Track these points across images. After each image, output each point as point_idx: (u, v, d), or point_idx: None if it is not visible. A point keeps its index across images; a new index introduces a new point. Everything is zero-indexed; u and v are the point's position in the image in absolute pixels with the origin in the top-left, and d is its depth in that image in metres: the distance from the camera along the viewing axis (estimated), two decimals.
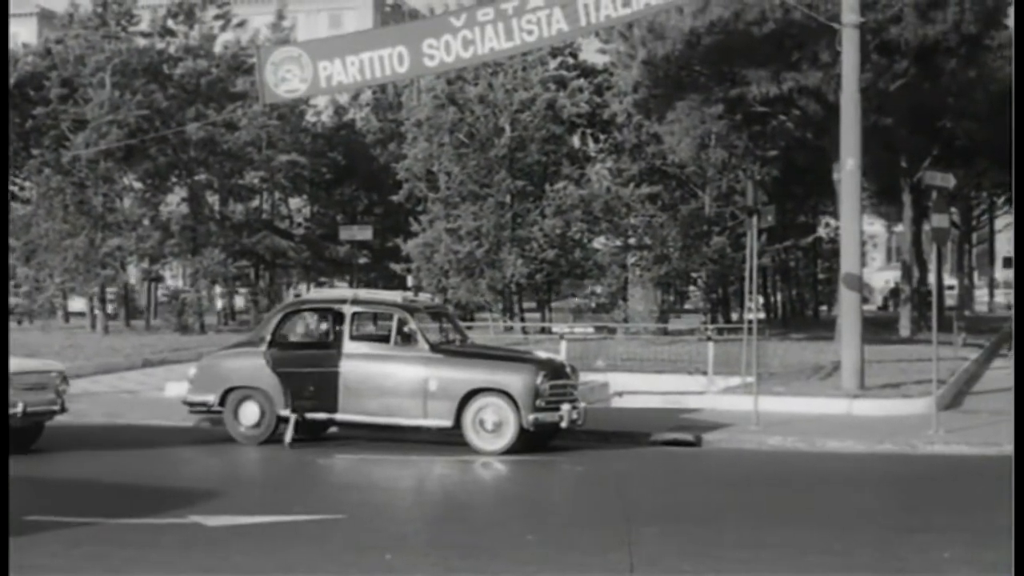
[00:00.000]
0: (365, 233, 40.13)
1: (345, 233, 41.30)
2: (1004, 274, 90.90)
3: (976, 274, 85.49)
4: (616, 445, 20.80)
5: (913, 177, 44.48)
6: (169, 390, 26.86)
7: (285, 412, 20.49)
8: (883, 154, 39.62)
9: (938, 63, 34.96)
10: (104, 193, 49.65)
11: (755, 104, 36.55)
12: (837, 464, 19.39)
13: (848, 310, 26.84)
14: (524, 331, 45.29)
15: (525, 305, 54.69)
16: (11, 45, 53.43)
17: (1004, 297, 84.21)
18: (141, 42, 51.62)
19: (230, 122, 50.78)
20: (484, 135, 48.66)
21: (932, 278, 51.84)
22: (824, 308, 67.44)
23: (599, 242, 54.03)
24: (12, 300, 51.51)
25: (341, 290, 35.39)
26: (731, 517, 14.13)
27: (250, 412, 20.62)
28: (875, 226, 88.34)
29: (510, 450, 19.25)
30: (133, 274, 59.17)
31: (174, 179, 54.06)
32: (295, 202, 64.37)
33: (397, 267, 52.78)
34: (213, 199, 56.02)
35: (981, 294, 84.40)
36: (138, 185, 53.48)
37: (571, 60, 53.41)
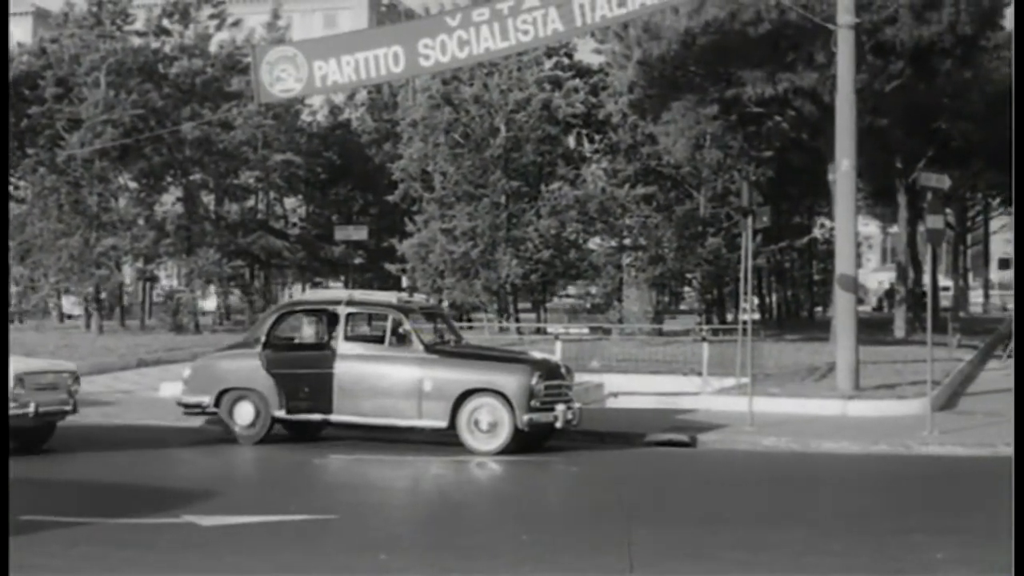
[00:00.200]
0: (360, 233, 40.08)
1: (340, 233, 41.25)
2: (999, 275, 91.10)
3: (971, 275, 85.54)
4: (611, 446, 20.80)
5: (908, 178, 44.51)
6: (164, 390, 26.85)
7: (280, 413, 20.50)
8: (878, 155, 39.60)
9: (933, 64, 34.96)
10: (99, 193, 49.60)
11: (750, 105, 36.54)
12: (832, 465, 19.41)
13: (843, 311, 26.86)
14: (519, 332, 45.30)
15: (520, 305, 54.64)
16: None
17: (999, 298, 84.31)
18: (136, 41, 51.56)
19: (225, 122, 50.75)
20: (479, 135, 48.67)
21: (927, 279, 51.90)
22: (819, 309, 67.56)
23: (594, 243, 54.04)
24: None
25: (336, 291, 35.39)
26: (726, 518, 14.13)
27: (245, 413, 20.63)
28: (870, 227, 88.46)
29: (505, 450, 19.25)
30: (128, 274, 59.07)
31: (169, 179, 54.02)
32: (290, 202, 64.29)
33: (392, 267, 52.78)
34: (208, 199, 55.96)
35: (976, 295, 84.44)
36: (133, 185, 53.41)
37: (566, 60, 53.41)
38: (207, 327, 51.55)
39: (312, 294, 31.93)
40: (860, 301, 34.33)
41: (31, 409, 18.24)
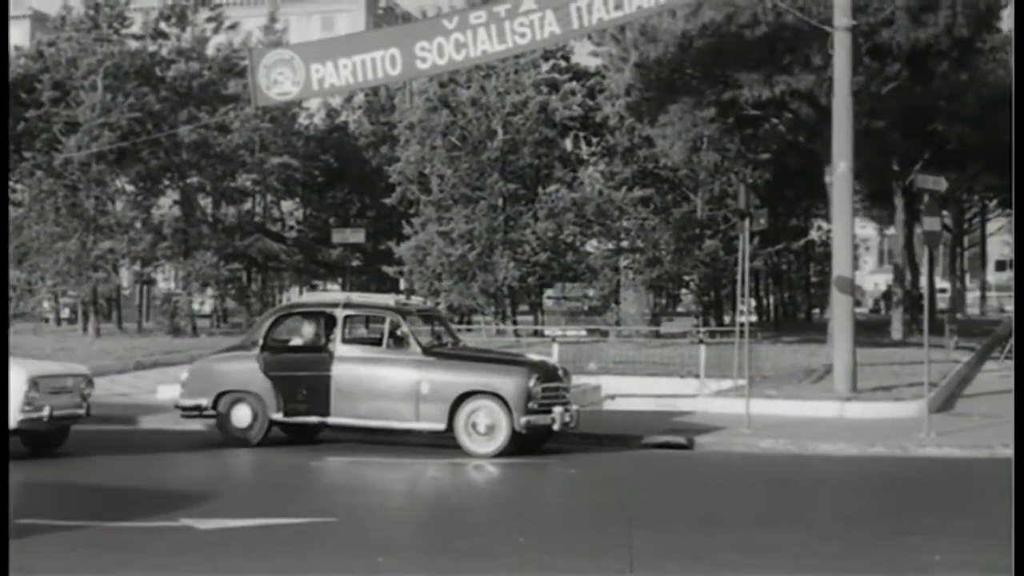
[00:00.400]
0: (357, 236, 40.09)
1: (337, 236, 41.24)
2: (996, 277, 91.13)
3: (968, 277, 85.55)
4: (608, 448, 20.81)
5: (905, 180, 44.54)
6: (161, 393, 26.85)
7: (278, 415, 20.52)
8: (875, 157, 39.62)
9: (930, 66, 34.97)
10: (96, 196, 49.54)
11: (747, 107, 36.54)
12: (829, 467, 19.42)
13: (840, 313, 26.88)
14: (516, 334, 45.30)
15: (518, 308, 54.63)
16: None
17: (996, 300, 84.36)
18: (133, 45, 51.50)
19: (222, 125, 50.70)
20: (476, 138, 48.66)
21: (924, 281, 51.94)
22: (816, 311, 67.56)
23: (591, 245, 54.04)
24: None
25: (334, 293, 35.38)
26: (724, 520, 14.14)
27: (243, 415, 20.64)
28: (867, 229, 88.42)
29: (502, 453, 19.26)
30: (125, 277, 59.02)
31: (166, 182, 53.96)
32: (287, 205, 64.24)
33: (389, 270, 52.73)
34: (205, 202, 55.89)
35: (973, 297, 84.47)
36: (130, 188, 53.34)
37: (563, 63, 53.40)
38: (204, 330, 51.52)
39: (310, 297, 31.93)
40: (857, 303, 34.35)
41: (45, 413, 18.28)
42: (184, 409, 21.41)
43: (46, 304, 55.43)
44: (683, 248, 49.75)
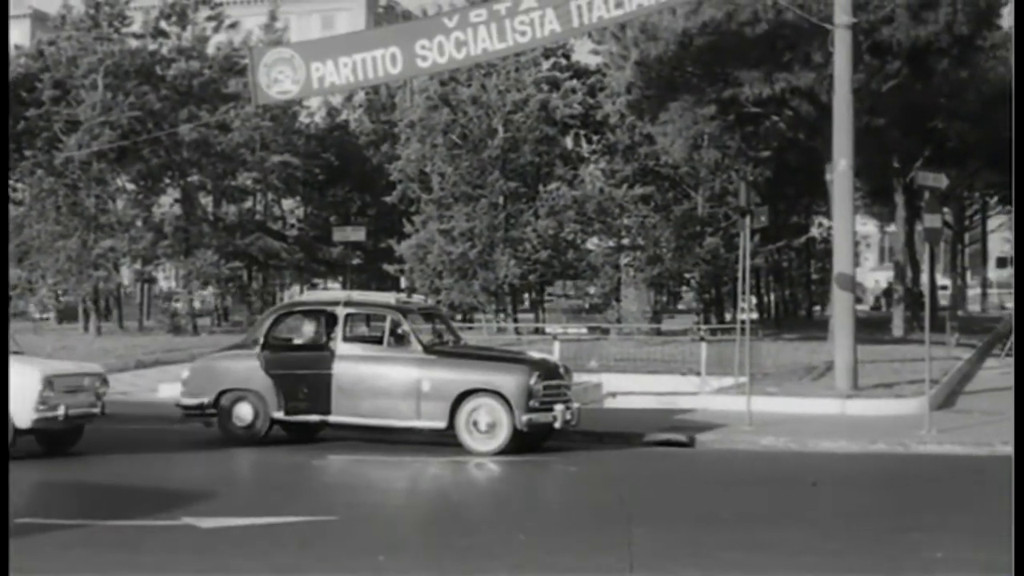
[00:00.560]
0: (358, 234, 40.01)
1: (338, 234, 41.19)
2: (997, 274, 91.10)
3: (969, 274, 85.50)
4: (609, 446, 20.81)
5: (906, 177, 44.52)
6: (162, 392, 26.87)
7: (279, 414, 20.53)
8: (876, 155, 39.61)
9: (930, 64, 34.96)
10: (97, 195, 49.58)
11: (748, 105, 36.53)
12: (830, 464, 19.42)
13: (841, 310, 26.87)
14: (517, 332, 45.30)
15: (519, 306, 54.63)
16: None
17: (997, 297, 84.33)
18: (133, 43, 51.52)
19: (223, 123, 50.73)
20: (477, 136, 48.67)
21: (925, 278, 51.97)
22: (817, 308, 67.52)
23: (592, 243, 54.07)
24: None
25: (334, 292, 35.40)
26: (725, 517, 14.14)
27: (244, 414, 20.65)
28: (868, 226, 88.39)
29: (503, 451, 19.26)
30: (126, 275, 59.05)
31: (167, 180, 54.00)
32: (288, 203, 64.31)
33: (390, 268, 52.76)
34: (206, 200, 55.95)
35: (974, 294, 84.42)
36: (131, 186, 53.38)
37: (564, 61, 53.41)
38: (205, 328, 51.54)
39: (311, 295, 31.93)
40: (858, 300, 34.34)
41: (60, 412, 18.28)
42: (185, 408, 21.43)
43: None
44: (684, 245, 49.73)
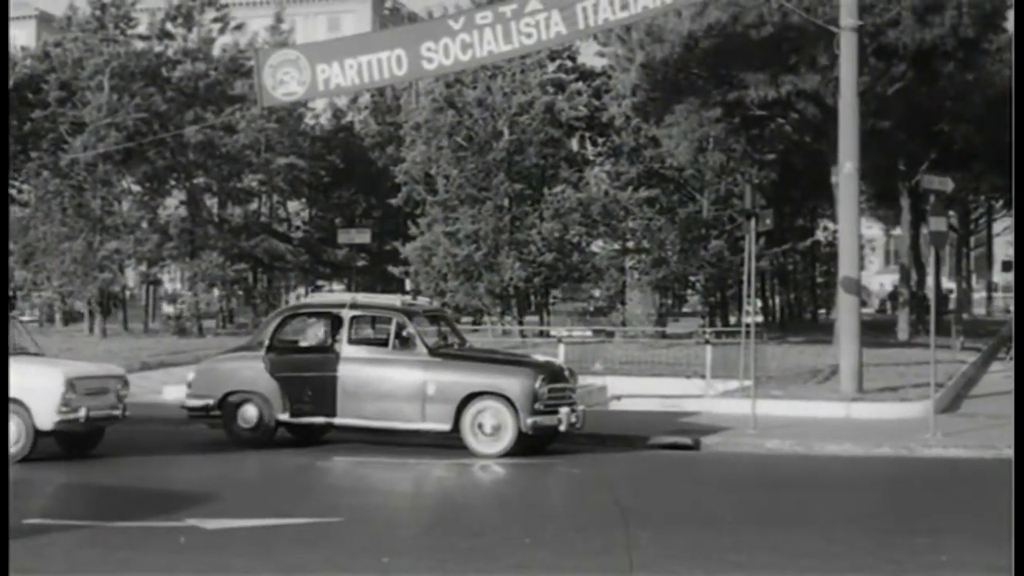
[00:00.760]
0: (363, 236, 40.16)
1: (343, 236, 41.33)
2: (1002, 277, 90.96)
3: (974, 277, 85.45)
4: (614, 448, 20.80)
5: (911, 181, 44.48)
6: (167, 393, 26.86)
7: (284, 416, 20.53)
8: (881, 158, 39.60)
9: (936, 67, 34.96)
10: (102, 196, 49.64)
11: (753, 107, 36.55)
12: (835, 467, 19.41)
13: (846, 313, 26.86)
14: (522, 335, 45.32)
15: (526, 309, 54.63)
16: (9, 48, 53.44)
17: (1002, 301, 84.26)
18: (139, 45, 51.58)
19: (228, 125, 50.78)
20: (482, 138, 48.70)
21: (930, 281, 51.90)
22: (822, 311, 67.53)
23: (597, 245, 54.08)
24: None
25: (340, 294, 35.44)
26: (729, 520, 14.14)
27: (249, 416, 20.64)
28: (873, 229, 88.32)
29: (508, 453, 19.26)
30: (131, 277, 59.12)
31: (172, 182, 54.04)
32: (293, 205, 64.37)
33: (395, 270, 52.84)
34: (211, 202, 56.00)
35: (979, 297, 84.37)
36: (136, 188, 53.44)
37: (569, 63, 53.46)
38: (210, 330, 51.57)
39: (316, 297, 31.94)
40: (863, 303, 34.33)
41: (82, 414, 18.27)
42: (190, 409, 21.43)
43: (55, 305, 55.39)
44: (689, 248, 49.80)
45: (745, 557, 11.94)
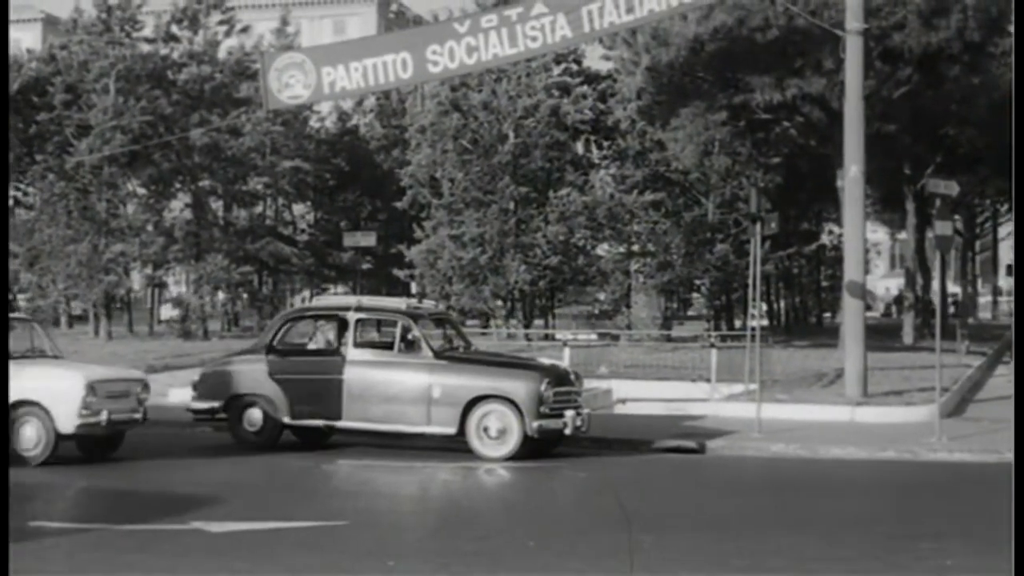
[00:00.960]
0: (369, 239, 40.20)
1: (349, 239, 41.34)
2: (1007, 282, 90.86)
3: (980, 281, 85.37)
4: (619, 452, 20.81)
5: (916, 184, 44.45)
6: (172, 396, 26.86)
7: (289, 419, 20.54)
8: (886, 161, 39.57)
9: (941, 70, 34.94)
10: (107, 199, 49.65)
11: (759, 111, 36.56)
12: (840, 471, 19.40)
13: (851, 317, 26.85)
14: (528, 338, 45.31)
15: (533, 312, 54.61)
16: (15, 51, 53.49)
17: (1007, 305, 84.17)
18: (145, 48, 51.58)
19: (234, 128, 50.80)
20: (488, 141, 48.68)
21: (935, 285, 51.85)
22: (827, 315, 67.45)
23: (602, 249, 54.07)
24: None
25: (345, 297, 35.46)
26: (733, 524, 14.14)
27: (254, 419, 20.66)
28: (878, 233, 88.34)
29: (514, 457, 19.25)
30: (136, 280, 59.15)
31: (178, 185, 54.06)
32: (299, 208, 64.41)
33: (401, 273, 52.83)
34: (217, 205, 56.01)
35: (985, 301, 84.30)
36: (142, 191, 53.46)
37: (575, 66, 53.44)
38: (215, 333, 51.58)
39: (321, 300, 31.94)
40: (868, 307, 34.31)
41: (103, 417, 18.30)
42: (196, 412, 21.46)
43: (60, 308, 55.41)
44: (694, 252, 49.77)
45: (749, 561, 11.95)
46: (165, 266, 54.90)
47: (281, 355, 21.05)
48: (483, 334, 44.64)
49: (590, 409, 21.20)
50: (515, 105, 48.36)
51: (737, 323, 52.40)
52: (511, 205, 48.82)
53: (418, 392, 19.88)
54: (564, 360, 28.10)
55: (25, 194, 55.68)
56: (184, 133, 48.49)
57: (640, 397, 29.02)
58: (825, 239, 62.95)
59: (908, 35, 33.37)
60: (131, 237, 49.97)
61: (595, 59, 54.01)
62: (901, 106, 35.20)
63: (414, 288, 52.76)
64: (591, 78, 53.12)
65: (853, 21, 26.13)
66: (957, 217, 56.94)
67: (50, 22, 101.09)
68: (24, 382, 17.96)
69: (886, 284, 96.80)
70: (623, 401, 29.32)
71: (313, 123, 59.95)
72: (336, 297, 41.82)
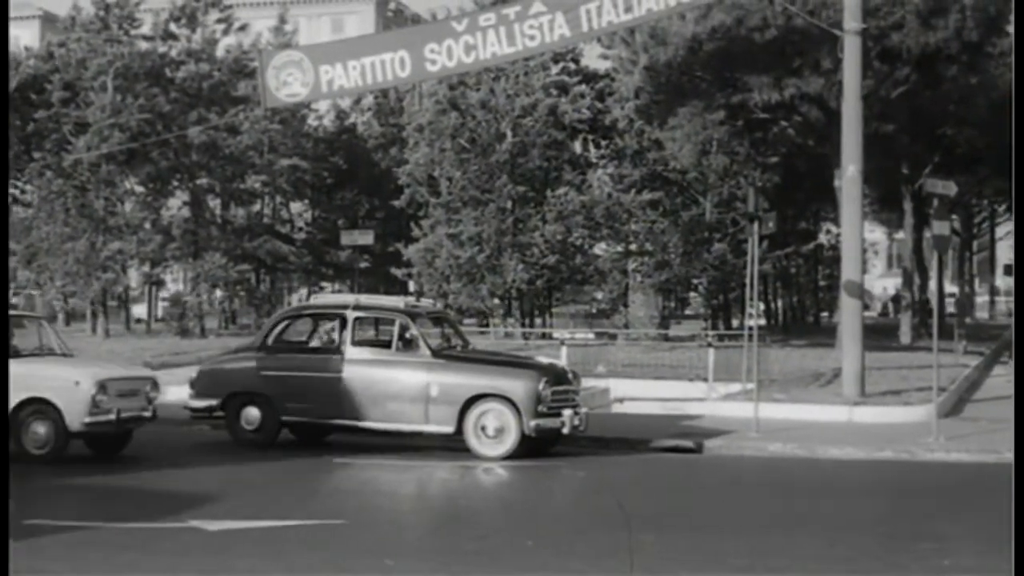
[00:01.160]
0: (366, 238, 40.19)
1: (346, 238, 41.35)
2: (1005, 282, 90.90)
3: (977, 281, 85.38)
4: (617, 451, 20.80)
5: (914, 184, 44.48)
6: (170, 394, 26.82)
7: (287, 417, 20.53)
8: (884, 161, 39.57)
9: (939, 70, 34.96)
10: (105, 197, 49.67)
11: (756, 110, 36.58)
12: (837, 471, 19.40)
13: (849, 317, 26.84)
14: (525, 337, 45.31)
15: (533, 312, 54.63)
16: (13, 48, 53.47)
17: (1005, 304, 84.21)
18: (143, 46, 51.65)
19: (232, 126, 50.82)
20: (486, 140, 48.68)
21: (933, 285, 51.87)
22: (825, 315, 67.44)
23: (600, 248, 54.09)
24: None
25: (343, 295, 35.46)
26: (732, 524, 14.14)
27: (252, 417, 20.64)
28: (876, 233, 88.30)
29: (511, 456, 19.24)
30: (134, 278, 59.15)
31: (175, 183, 54.11)
32: (296, 206, 64.42)
33: (398, 272, 52.83)
34: (214, 203, 56.04)
35: (982, 301, 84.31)
36: (139, 189, 53.51)
37: (573, 65, 53.43)
38: (213, 331, 51.59)
39: (319, 298, 31.94)
40: (866, 307, 34.32)
41: (113, 415, 18.33)
42: (193, 410, 21.46)
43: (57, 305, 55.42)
44: (692, 251, 49.78)
45: (747, 561, 11.95)
46: (163, 264, 54.93)
47: (278, 353, 21.03)
48: (481, 333, 44.65)
49: (588, 408, 21.19)
50: (513, 104, 48.37)
51: (735, 322, 52.42)
52: (509, 204, 48.84)
53: (416, 391, 19.87)
54: (562, 359, 28.09)
55: (23, 191, 55.66)
56: (182, 131, 48.51)
57: (638, 396, 29.02)
58: (823, 239, 62.99)
59: (906, 35, 33.39)
60: (129, 235, 50.00)
61: (593, 58, 54.09)
62: (899, 106, 35.21)
63: (412, 287, 52.76)
64: (589, 77, 53.12)
65: (851, 21, 26.12)
66: (955, 217, 57.14)
67: (48, 20, 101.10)
68: (34, 380, 17.99)
69: (883, 284, 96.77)
70: (621, 400, 29.33)
71: (311, 121, 59.98)
72: (334, 295, 41.75)
